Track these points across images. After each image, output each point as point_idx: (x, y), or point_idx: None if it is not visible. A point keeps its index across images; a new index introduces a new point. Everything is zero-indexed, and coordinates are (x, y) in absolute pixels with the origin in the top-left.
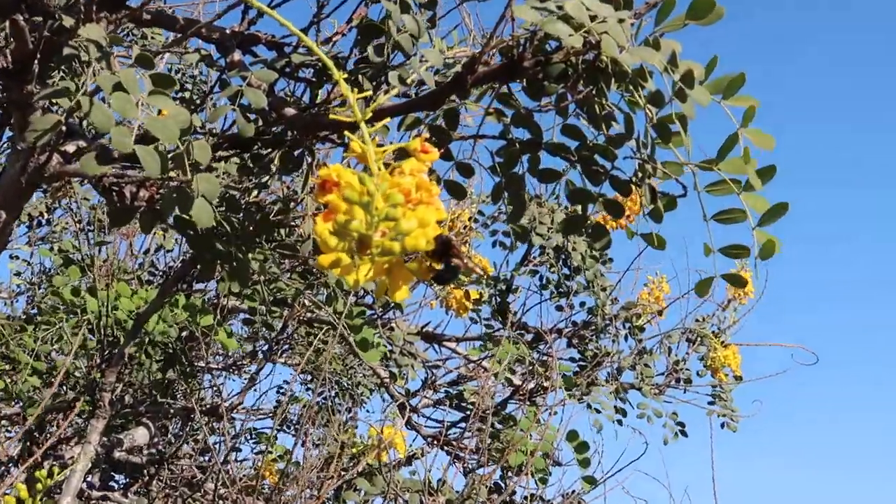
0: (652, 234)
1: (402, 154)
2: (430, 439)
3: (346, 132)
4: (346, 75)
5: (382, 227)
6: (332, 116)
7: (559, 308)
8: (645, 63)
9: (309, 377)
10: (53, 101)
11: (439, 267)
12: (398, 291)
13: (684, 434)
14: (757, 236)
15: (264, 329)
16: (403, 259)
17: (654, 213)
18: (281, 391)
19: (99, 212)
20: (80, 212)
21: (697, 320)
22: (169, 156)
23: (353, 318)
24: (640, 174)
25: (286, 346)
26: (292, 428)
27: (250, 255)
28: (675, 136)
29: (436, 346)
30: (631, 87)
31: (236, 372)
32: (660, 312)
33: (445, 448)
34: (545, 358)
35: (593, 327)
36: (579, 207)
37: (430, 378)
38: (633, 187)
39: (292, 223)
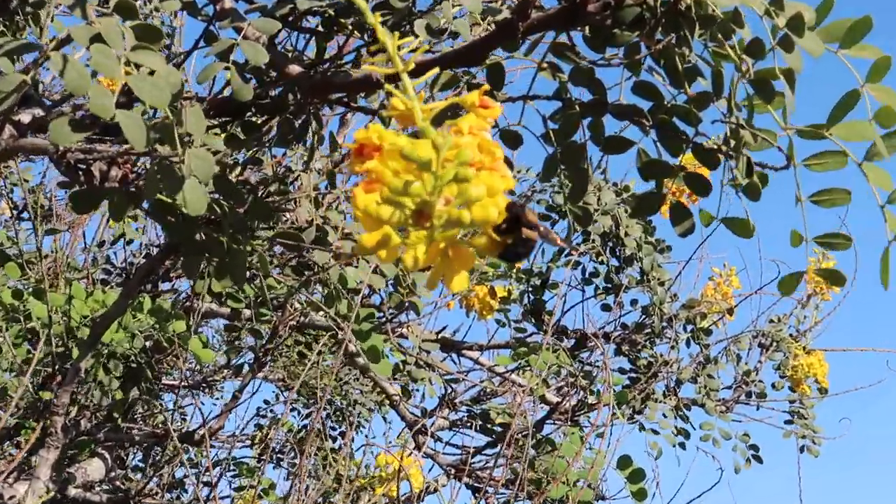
0: (739, 220)
1: (453, 112)
2: (449, 469)
3: (388, 86)
4: (381, 19)
5: (447, 192)
6: (366, 67)
7: (606, 307)
8: (740, 5)
9: (297, 395)
10: (14, 57)
11: (510, 241)
12: (457, 277)
13: (758, 459)
14: (889, 220)
15: (250, 337)
16: (463, 236)
17: (751, 190)
18: (263, 412)
19: (41, 196)
20: (14, 195)
21: (772, 321)
22: (153, 125)
23: (360, 323)
24: (731, 142)
25: (272, 358)
26: (276, 457)
27: (242, 246)
28: (777, 96)
29: (455, 356)
30: (720, 36)
31: (208, 391)
32: (729, 312)
33: (468, 480)
34: (589, 368)
35: (648, 330)
36: (653, 183)
37: (449, 394)
38: (721, 158)
39: (290, 207)
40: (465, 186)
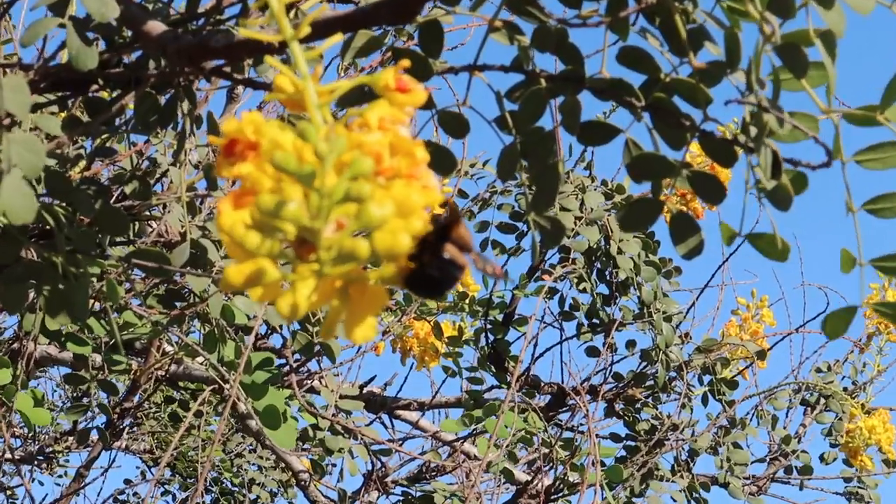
0: (767, 235)
1: (361, 96)
2: None
3: (270, 59)
4: None
5: (338, 214)
6: (241, 31)
7: (592, 351)
8: None
9: (170, 472)
10: None
11: (427, 263)
12: (361, 325)
13: None
14: None
15: (102, 391)
16: (368, 269)
17: (778, 196)
18: (123, 495)
19: None
20: None
21: (819, 370)
22: None
23: (253, 373)
24: (751, 130)
25: (134, 421)
26: None
27: (88, 268)
28: (813, 67)
29: (386, 418)
30: None
31: (45, 466)
32: (760, 357)
33: None
34: (570, 435)
35: (650, 383)
36: (649, 185)
37: (378, 471)
38: (738, 152)
39: (153, 216)
40: (365, 206)
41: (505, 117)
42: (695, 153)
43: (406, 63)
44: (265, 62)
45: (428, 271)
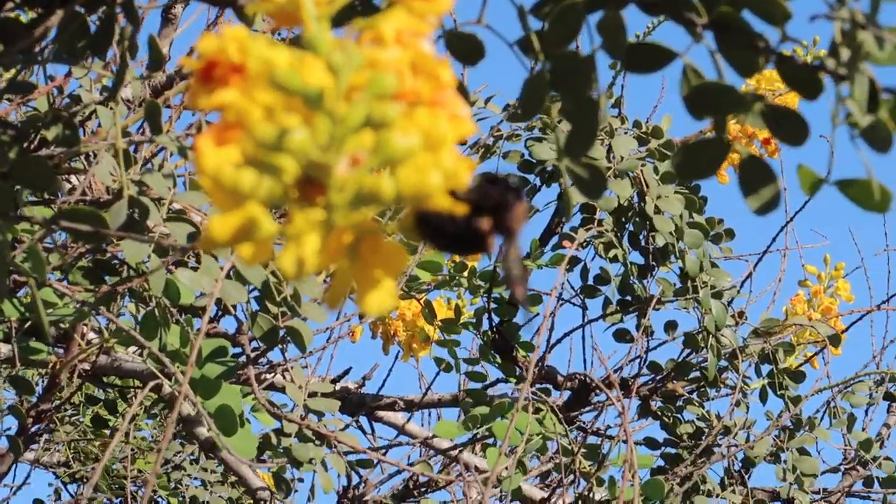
0: (863, 182)
1: (367, 9)
2: None
3: None
4: None
5: (352, 146)
6: None
7: (622, 336)
8: None
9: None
10: None
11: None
12: (376, 291)
13: None
14: None
15: (11, 390)
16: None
17: (876, 133)
18: None
19: None
20: None
21: None
22: None
23: (202, 365)
24: (842, 52)
25: (49, 427)
26: None
27: (3, 234)
28: None
29: (365, 421)
30: None
31: None
32: (833, 340)
33: None
34: (596, 440)
35: (695, 374)
36: (711, 121)
37: (356, 487)
38: (822, 78)
39: (73, 168)
40: (386, 135)
41: (530, 38)
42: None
43: None
44: None
45: (465, 230)
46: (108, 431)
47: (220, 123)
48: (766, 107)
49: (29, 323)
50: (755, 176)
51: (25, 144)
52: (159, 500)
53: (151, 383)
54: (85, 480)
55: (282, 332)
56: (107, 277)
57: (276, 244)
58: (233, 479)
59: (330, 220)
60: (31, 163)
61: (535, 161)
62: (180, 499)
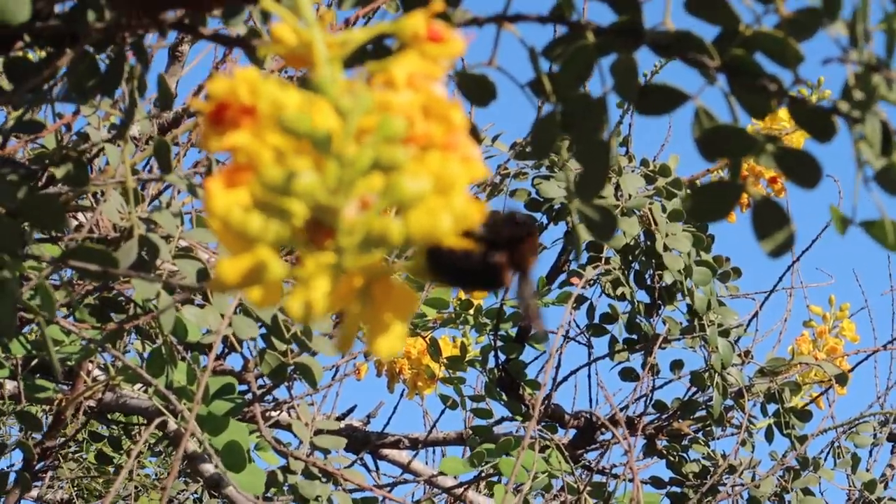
0: (882, 222)
1: (379, 51)
2: None
3: (265, 1)
4: None
5: (361, 190)
6: None
7: (628, 374)
8: None
9: None
10: None
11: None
12: (386, 334)
13: None
14: None
15: (17, 426)
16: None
17: (890, 176)
18: None
19: None
20: None
21: None
22: None
23: (210, 402)
24: (855, 95)
25: (50, 464)
26: None
27: (12, 272)
28: None
29: (370, 459)
30: None
31: None
32: (839, 380)
33: None
34: (602, 478)
35: (701, 413)
36: (725, 163)
37: None
38: (835, 120)
39: (80, 205)
40: (396, 179)
41: (542, 80)
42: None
43: (439, 6)
44: (261, 6)
45: (463, 263)
46: (111, 469)
47: (231, 165)
48: (779, 149)
49: (35, 361)
50: (769, 219)
51: (34, 182)
52: None
53: (157, 420)
54: None
55: (290, 369)
56: (113, 315)
57: (286, 285)
58: None
59: (339, 264)
60: (40, 201)
61: (542, 199)
62: None
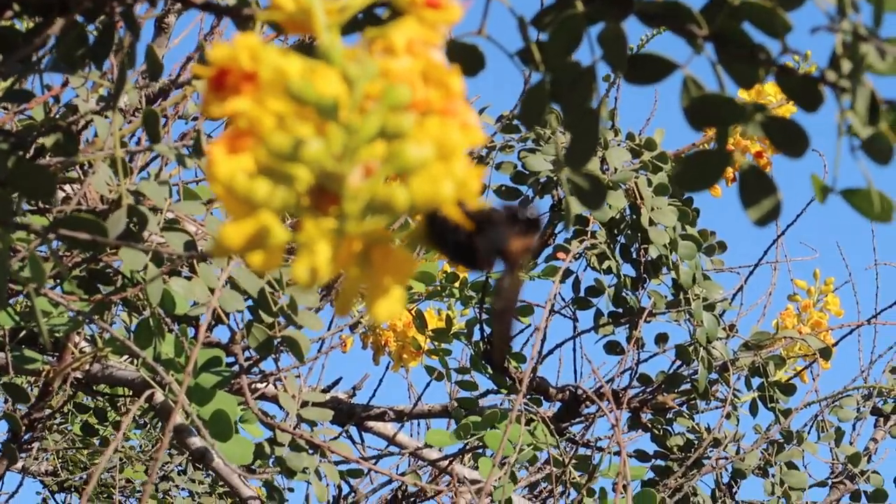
0: (866, 191)
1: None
2: None
3: None
4: None
5: (367, 156)
6: None
7: (613, 348)
8: None
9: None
10: None
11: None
12: (386, 298)
13: None
14: None
15: (8, 399)
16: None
17: (876, 145)
18: None
19: None
20: None
21: (895, 370)
22: None
23: (197, 375)
24: (843, 64)
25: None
26: None
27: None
28: None
29: (355, 431)
30: None
31: None
32: (823, 354)
33: None
34: (587, 451)
35: (686, 387)
36: (711, 132)
37: (346, 496)
38: (822, 90)
39: (68, 177)
40: (400, 146)
41: (531, 49)
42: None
43: None
44: None
45: (451, 236)
46: (96, 441)
47: (232, 131)
48: (766, 118)
49: (23, 332)
50: (756, 187)
51: (23, 153)
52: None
53: (147, 392)
54: (73, 489)
55: (278, 342)
56: (101, 287)
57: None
58: (221, 489)
59: (342, 229)
60: (30, 171)
61: (528, 172)
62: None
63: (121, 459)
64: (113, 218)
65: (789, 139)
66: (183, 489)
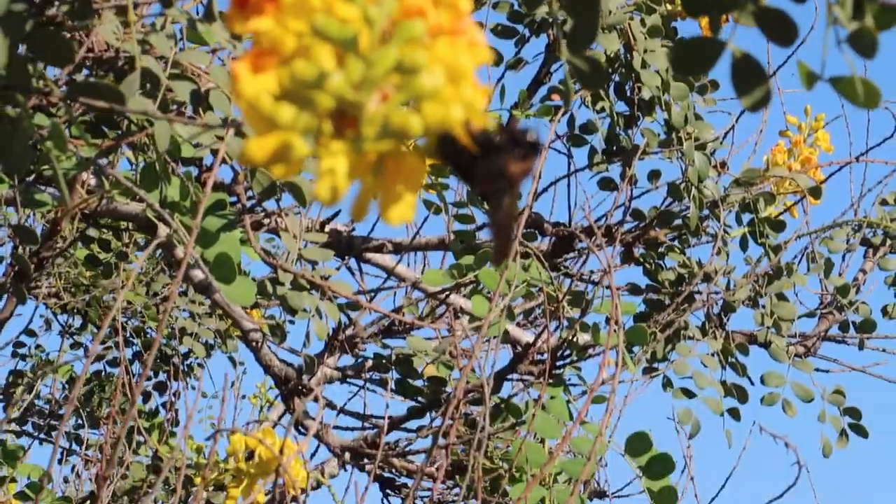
0: (852, 79)
1: None
2: (346, 455)
3: None
4: None
5: (384, 83)
6: None
7: (607, 184)
8: None
9: (82, 321)
10: None
11: (466, 152)
12: (398, 203)
13: (860, 432)
14: None
15: (16, 238)
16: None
17: (860, 40)
18: (26, 351)
19: None
20: None
21: (885, 202)
22: None
23: (205, 217)
24: None
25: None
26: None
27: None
28: None
29: (354, 263)
30: None
31: None
32: (813, 192)
33: (380, 471)
34: (580, 286)
35: (678, 222)
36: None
37: (345, 328)
38: None
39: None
40: (414, 76)
41: None
42: None
43: None
44: None
45: (452, 153)
46: (100, 268)
47: (255, 49)
48: (758, 7)
49: (34, 174)
50: (748, 76)
51: (42, 17)
52: (149, 330)
53: (157, 241)
54: (76, 311)
55: (279, 185)
56: (108, 131)
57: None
58: (218, 311)
59: (359, 149)
60: (47, 34)
61: (523, 11)
62: (169, 330)
63: (124, 280)
64: (127, 81)
65: (779, 29)
66: (184, 310)
